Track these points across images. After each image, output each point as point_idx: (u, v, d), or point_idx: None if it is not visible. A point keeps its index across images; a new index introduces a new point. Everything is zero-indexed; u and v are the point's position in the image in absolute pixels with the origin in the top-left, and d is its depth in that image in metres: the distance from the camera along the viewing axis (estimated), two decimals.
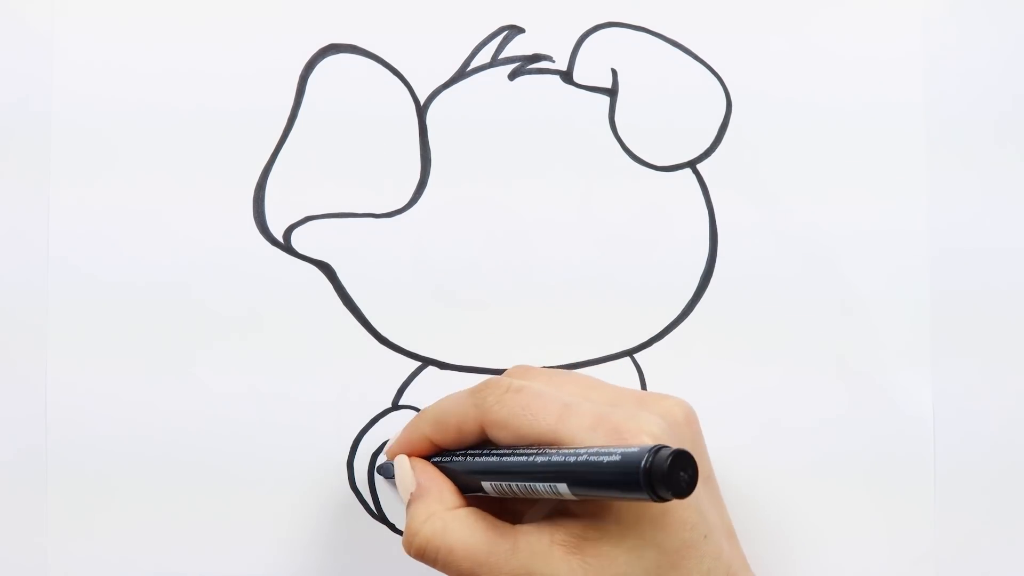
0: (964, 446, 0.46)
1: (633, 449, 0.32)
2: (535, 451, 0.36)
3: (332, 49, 0.45)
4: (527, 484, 0.36)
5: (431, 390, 0.45)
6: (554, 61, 0.46)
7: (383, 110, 0.45)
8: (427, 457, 0.41)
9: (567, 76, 0.46)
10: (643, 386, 0.45)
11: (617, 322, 0.45)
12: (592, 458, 0.34)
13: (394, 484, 0.42)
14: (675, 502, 0.34)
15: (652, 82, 0.46)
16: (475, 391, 0.39)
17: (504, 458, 0.37)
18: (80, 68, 0.45)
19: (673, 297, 0.46)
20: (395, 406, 0.45)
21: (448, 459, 0.40)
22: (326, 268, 0.45)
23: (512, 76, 0.46)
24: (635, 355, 0.45)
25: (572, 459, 0.34)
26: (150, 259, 0.44)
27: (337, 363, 0.45)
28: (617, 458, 0.33)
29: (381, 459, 0.44)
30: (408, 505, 0.39)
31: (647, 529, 0.35)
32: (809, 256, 0.46)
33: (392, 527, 0.45)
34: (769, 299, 0.46)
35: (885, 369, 0.45)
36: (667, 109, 0.46)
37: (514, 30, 0.46)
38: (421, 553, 0.37)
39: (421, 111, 0.45)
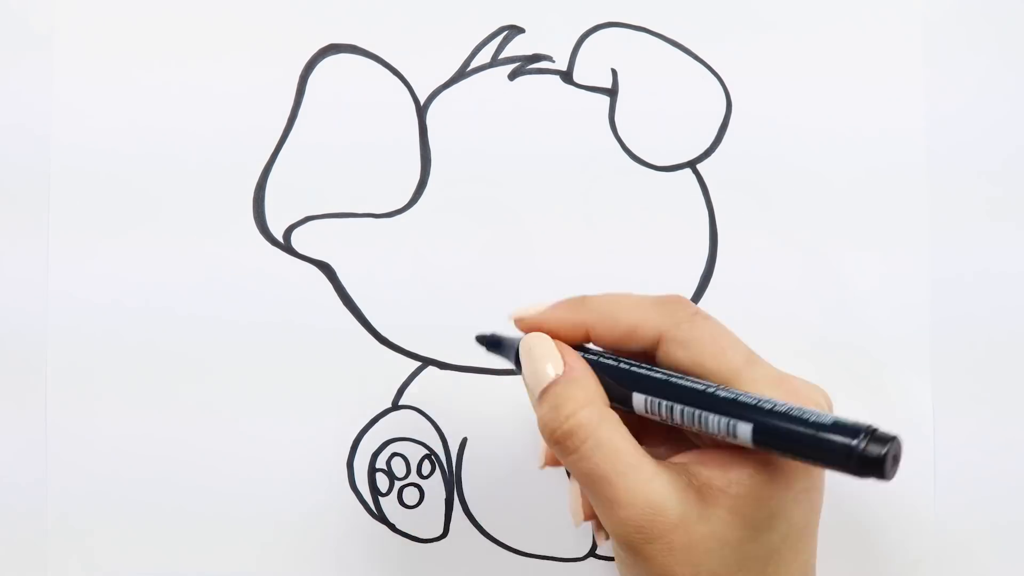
0: (964, 447, 0.46)
1: (847, 421, 0.31)
2: (716, 386, 0.34)
3: (332, 49, 0.45)
4: (700, 414, 0.34)
5: (431, 390, 0.45)
6: (554, 61, 0.46)
7: (383, 110, 0.45)
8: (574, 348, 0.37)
9: (567, 76, 0.46)
10: None
11: None
12: (795, 413, 0.32)
13: (500, 354, 0.39)
14: (815, 486, 0.34)
15: (652, 82, 0.46)
16: (661, 301, 0.36)
17: (678, 380, 0.34)
18: (80, 70, 0.45)
19: None
20: (395, 406, 0.45)
21: (604, 358, 0.36)
22: (326, 268, 0.45)
23: (512, 76, 0.46)
24: None
25: (767, 407, 0.32)
26: (150, 259, 0.44)
27: (337, 363, 0.45)
28: (827, 423, 0.31)
29: (487, 331, 0.40)
30: (553, 385, 0.35)
31: (786, 502, 0.34)
32: (809, 256, 0.46)
33: (392, 527, 0.45)
34: (769, 299, 0.46)
35: (885, 369, 0.45)
36: (667, 109, 0.46)
37: (514, 30, 0.46)
38: (568, 435, 0.34)
39: (421, 111, 0.45)
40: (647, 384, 0.35)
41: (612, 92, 0.46)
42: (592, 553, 0.45)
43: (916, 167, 0.46)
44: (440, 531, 0.45)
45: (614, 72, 0.46)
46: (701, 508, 0.34)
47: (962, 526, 0.45)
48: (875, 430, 0.31)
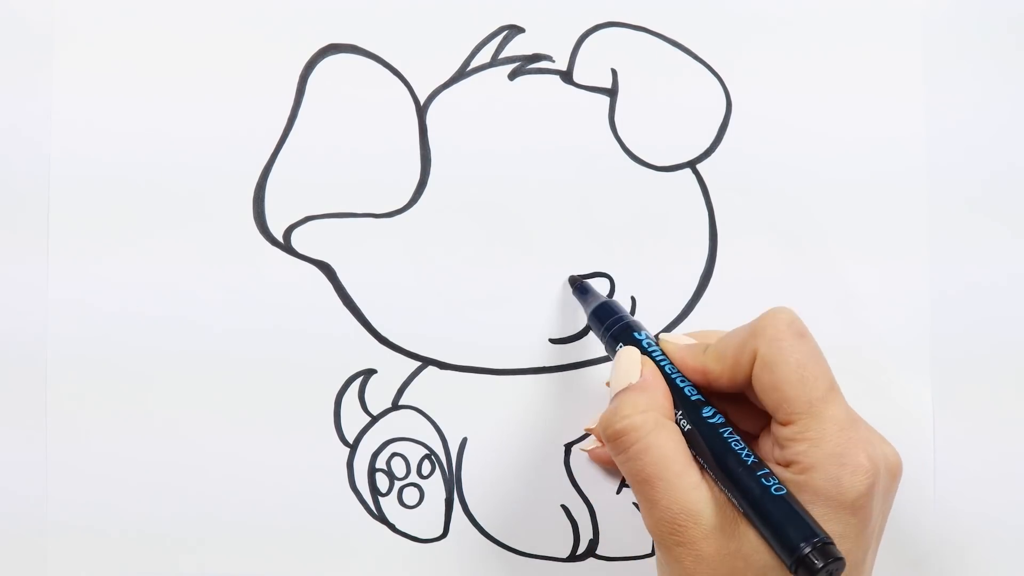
0: (964, 448, 0.46)
1: (812, 526, 0.34)
2: (741, 447, 0.36)
3: (332, 49, 0.45)
4: (715, 469, 0.36)
5: (431, 390, 0.45)
6: (554, 61, 0.46)
7: (383, 110, 0.45)
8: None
9: (567, 76, 0.46)
10: None
11: None
12: (783, 499, 0.35)
13: (580, 297, 0.43)
14: (858, 545, 0.35)
15: (652, 82, 0.46)
16: (762, 319, 0.37)
17: (710, 432, 0.37)
18: (80, 69, 0.45)
19: (673, 297, 0.46)
20: (395, 406, 0.45)
21: (684, 385, 0.39)
22: (326, 268, 0.45)
23: (512, 76, 0.46)
24: None
25: (764, 484, 0.35)
26: (150, 259, 0.44)
27: (337, 363, 0.45)
28: (796, 518, 0.34)
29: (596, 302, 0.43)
30: (625, 390, 0.38)
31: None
32: (808, 256, 0.46)
33: (392, 527, 0.45)
34: (768, 299, 0.45)
35: (885, 369, 0.45)
36: (667, 109, 0.46)
37: (514, 30, 0.46)
38: (620, 434, 0.37)
39: (421, 111, 0.45)
40: (689, 421, 0.38)
41: (612, 92, 0.46)
42: (592, 553, 0.45)
43: (916, 165, 0.46)
44: (440, 531, 0.45)
45: (614, 72, 0.46)
46: (735, 526, 0.36)
47: (962, 526, 0.45)
48: (827, 545, 0.34)
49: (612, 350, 0.41)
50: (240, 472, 0.44)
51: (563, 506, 0.45)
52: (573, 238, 0.45)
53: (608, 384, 0.40)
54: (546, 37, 0.46)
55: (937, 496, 0.45)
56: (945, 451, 0.45)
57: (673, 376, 0.39)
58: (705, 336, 0.40)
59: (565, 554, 0.45)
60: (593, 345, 0.45)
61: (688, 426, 0.37)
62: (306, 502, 0.44)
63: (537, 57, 0.46)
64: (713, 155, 0.46)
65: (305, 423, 0.45)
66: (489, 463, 0.45)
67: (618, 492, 0.45)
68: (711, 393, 0.39)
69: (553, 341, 0.45)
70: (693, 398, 0.38)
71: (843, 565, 0.34)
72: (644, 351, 0.39)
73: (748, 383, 0.38)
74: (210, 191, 0.45)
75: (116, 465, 0.44)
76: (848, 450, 0.36)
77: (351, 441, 0.45)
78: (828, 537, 0.34)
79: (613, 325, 0.41)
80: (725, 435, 0.37)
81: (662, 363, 0.39)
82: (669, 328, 0.45)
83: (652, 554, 0.45)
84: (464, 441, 0.45)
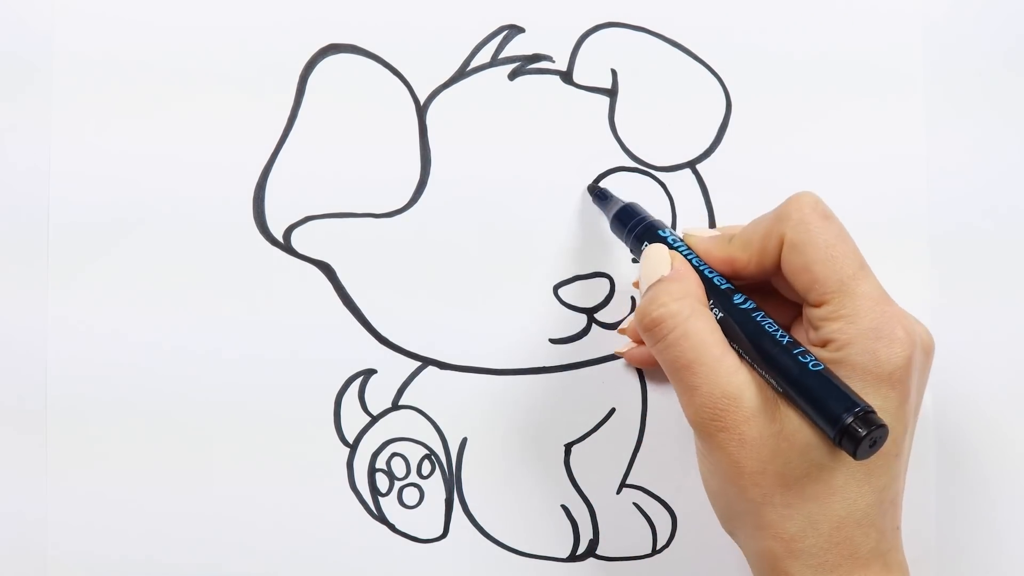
0: (964, 444, 0.46)
1: (853, 397, 0.34)
2: (775, 329, 0.36)
3: (332, 49, 0.45)
4: (750, 351, 0.37)
5: (431, 390, 0.45)
6: (554, 61, 0.46)
7: (383, 110, 0.45)
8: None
9: (567, 76, 0.46)
10: (643, 386, 0.45)
11: (618, 322, 0.45)
12: (820, 374, 0.35)
13: (601, 206, 0.44)
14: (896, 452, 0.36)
15: (652, 82, 0.46)
16: (786, 203, 0.38)
17: (741, 317, 0.37)
18: (80, 67, 0.45)
19: None
20: (395, 406, 0.45)
21: (712, 275, 0.39)
22: (326, 268, 0.45)
23: (512, 76, 0.46)
24: None
25: (802, 362, 0.35)
26: (150, 258, 0.44)
27: (337, 363, 0.45)
28: (835, 390, 0.34)
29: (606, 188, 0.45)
30: (658, 281, 0.38)
31: None
32: None
33: (392, 527, 0.45)
34: None
35: None
36: (667, 109, 0.46)
37: (514, 30, 0.46)
38: (658, 322, 0.37)
39: (421, 111, 0.45)
40: (721, 309, 0.38)
41: (612, 92, 0.46)
42: (592, 553, 0.45)
43: (917, 165, 0.46)
44: (440, 531, 0.45)
45: (614, 72, 0.46)
46: (776, 408, 0.36)
47: (962, 526, 0.45)
48: (869, 413, 0.34)
49: (637, 251, 0.41)
50: (239, 472, 0.44)
51: (563, 506, 0.45)
52: (573, 238, 0.45)
53: (636, 284, 0.41)
54: (546, 37, 0.46)
55: (938, 496, 0.45)
56: (945, 450, 0.45)
57: (701, 268, 0.39)
58: (728, 230, 0.41)
59: (565, 554, 0.45)
60: (593, 345, 0.45)
61: (721, 314, 0.38)
62: (306, 502, 0.44)
63: (537, 57, 0.46)
64: (713, 155, 0.46)
65: (305, 423, 0.45)
66: (489, 463, 0.45)
67: (618, 492, 0.45)
68: (740, 286, 0.39)
69: (553, 341, 0.45)
70: (723, 287, 0.38)
71: (886, 432, 0.34)
72: (671, 247, 0.40)
73: (776, 269, 0.38)
74: (210, 191, 0.45)
75: (115, 464, 0.44)
76: (884, 324, 0.36)
77: (351, 441, 0.45)
78: (869, 406, 0.34)
79: (636, 226, 0.42)
80: (758, 318, 0.37)
81: (689, 257, 0.40)
82: None
83: (652, 554, 0.45)
84: (464, 441, 0.45)
